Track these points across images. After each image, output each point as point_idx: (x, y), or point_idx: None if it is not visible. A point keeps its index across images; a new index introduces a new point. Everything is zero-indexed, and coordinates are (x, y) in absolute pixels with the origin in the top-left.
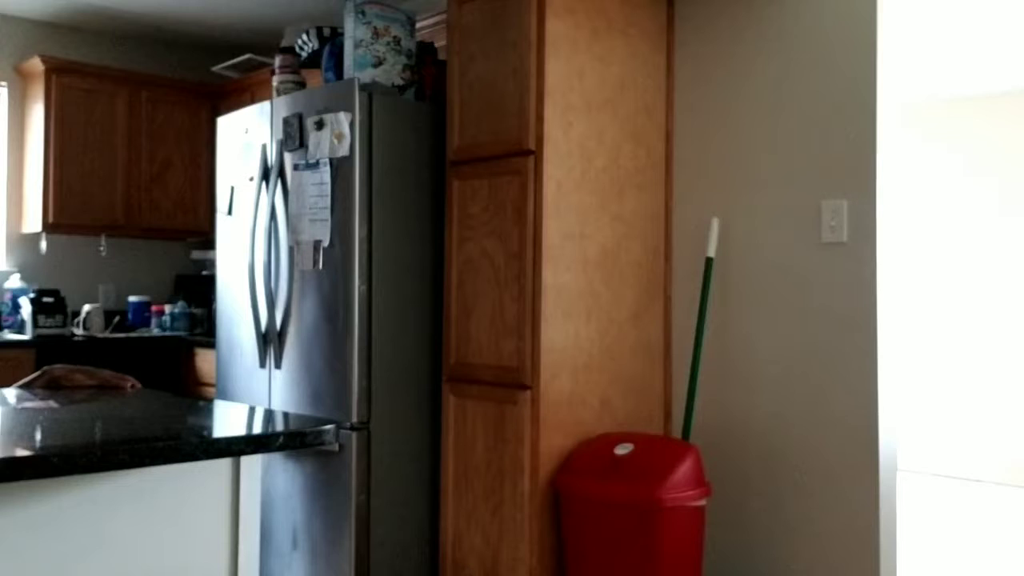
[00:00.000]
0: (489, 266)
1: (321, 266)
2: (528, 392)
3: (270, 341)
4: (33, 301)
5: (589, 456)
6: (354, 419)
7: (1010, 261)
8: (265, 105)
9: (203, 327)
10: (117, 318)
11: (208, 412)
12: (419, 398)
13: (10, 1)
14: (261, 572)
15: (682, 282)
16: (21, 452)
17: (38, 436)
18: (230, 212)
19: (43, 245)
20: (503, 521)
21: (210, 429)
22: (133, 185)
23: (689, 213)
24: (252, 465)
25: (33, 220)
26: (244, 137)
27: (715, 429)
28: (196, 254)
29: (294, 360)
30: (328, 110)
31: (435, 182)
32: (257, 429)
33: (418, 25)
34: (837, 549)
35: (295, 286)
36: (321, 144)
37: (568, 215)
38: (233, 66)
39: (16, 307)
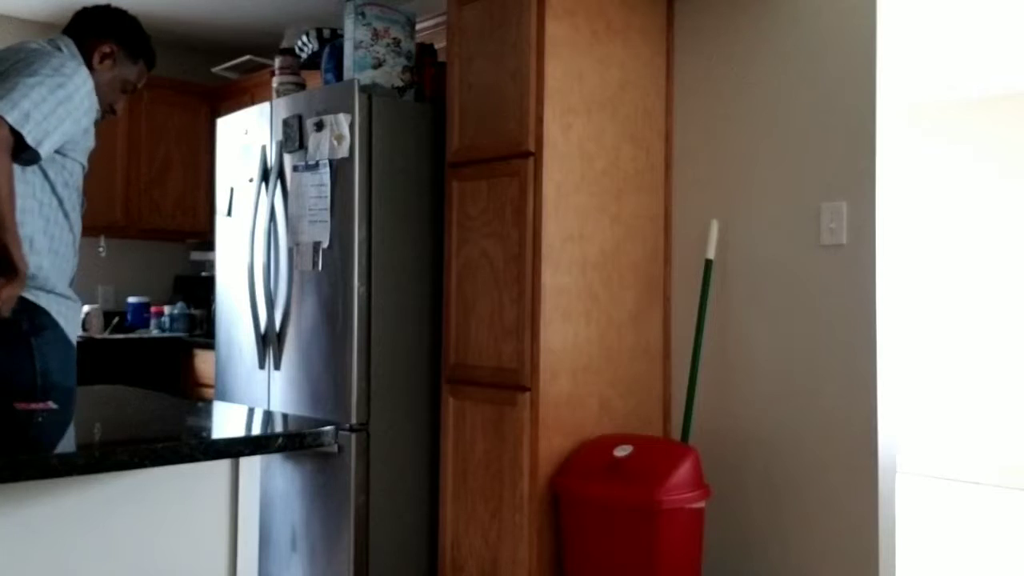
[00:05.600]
0: (488, 267)
1: (320, 267)
2: (527, 394)
3: (269, 342)
4: None
5: (588, 458)
6: (353, 420)
7: (1009, 264)
8: (265, 106)
9: (202, 328)
10: (116, 319)
11: (207, 413)
12: (418, 399)
13: (8, 1)
14: (260, 573)
15: (681, 284)
16: (20, 453)
17: (37, 437)
18: (229, 213)
19: None
20: (502, 523)
21: (209, 430)
22: (133, 186)
23: (689, 215)
24: (251, 466)
25: None
26: (244, 138)
27: (714, 431)
28: (195, 255)
29: (293, 361)
30: (328, 111)
31: (435, 184)
32: (256, 430)
33: (418, 27)
34: (836, 551)
35: (294, 287)
36: (321, 145)
37: (567, 217)
38: (233, 67)
39: None
